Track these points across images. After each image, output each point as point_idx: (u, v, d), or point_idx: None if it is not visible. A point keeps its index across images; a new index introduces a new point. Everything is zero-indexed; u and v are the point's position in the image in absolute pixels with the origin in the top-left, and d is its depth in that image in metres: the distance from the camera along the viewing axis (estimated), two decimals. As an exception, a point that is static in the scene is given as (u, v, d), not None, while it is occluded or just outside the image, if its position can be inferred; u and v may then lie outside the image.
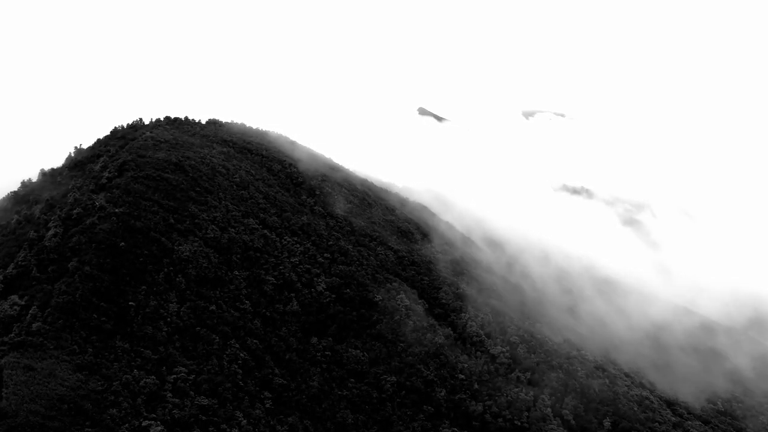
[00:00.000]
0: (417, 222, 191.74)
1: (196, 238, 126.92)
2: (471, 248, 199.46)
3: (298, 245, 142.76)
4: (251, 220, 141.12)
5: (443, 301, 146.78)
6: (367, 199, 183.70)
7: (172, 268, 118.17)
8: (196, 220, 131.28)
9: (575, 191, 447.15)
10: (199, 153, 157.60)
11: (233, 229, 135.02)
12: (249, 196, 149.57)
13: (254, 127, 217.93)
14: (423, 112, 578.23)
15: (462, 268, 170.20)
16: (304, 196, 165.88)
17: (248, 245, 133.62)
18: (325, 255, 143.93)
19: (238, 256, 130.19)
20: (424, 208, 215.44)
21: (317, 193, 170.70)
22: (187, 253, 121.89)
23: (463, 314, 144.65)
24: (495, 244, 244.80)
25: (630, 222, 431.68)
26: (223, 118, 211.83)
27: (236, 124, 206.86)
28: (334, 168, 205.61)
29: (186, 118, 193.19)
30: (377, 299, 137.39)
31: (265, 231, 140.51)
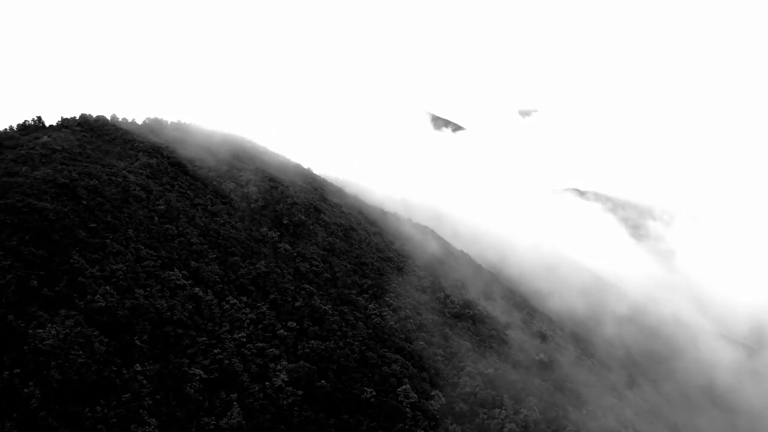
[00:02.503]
0: (421, 254, 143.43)
1: (74, 312, 77.73)
2: (492, 290, 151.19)
3: (247, 310, 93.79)
4: (176, 272, 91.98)
5: (467, 389, 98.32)
6: (357, 227, 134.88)
7: (18, 371, 69.13)
8: (80, 279, 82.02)
9: (584, 195, 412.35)
10: (110, 168, 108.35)
11: (142, 291, 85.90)
12: (178, 232, 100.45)
13: (213, 129, 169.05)
14: (420, 111, 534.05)
15: (488, 328, 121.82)
16: (265, 228, 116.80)
17: (164, 317, 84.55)
18: (290, 324, 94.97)
19: (146, 337, 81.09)
20: (430, 233, 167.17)
21: (285, 221, 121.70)
22: (52, 341, 72.79)
23: (497, 410, 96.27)
24: (503, 269, 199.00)
25: (637, 227, 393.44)
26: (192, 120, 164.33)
27: (184, 124, 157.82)
28: (312, 181, 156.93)
29: (114, 116, 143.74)
30: (368, 395, 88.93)
31: (197, 290, 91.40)
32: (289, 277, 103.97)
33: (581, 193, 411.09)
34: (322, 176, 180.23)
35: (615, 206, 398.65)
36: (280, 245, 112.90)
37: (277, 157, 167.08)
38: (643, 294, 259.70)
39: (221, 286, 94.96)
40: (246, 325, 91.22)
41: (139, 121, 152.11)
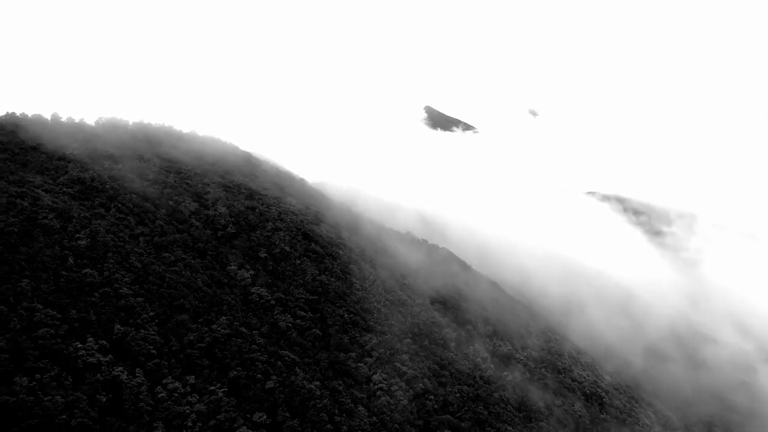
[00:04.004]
0: (441, 289, 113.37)
1: None
2: (529, 331, 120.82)
3: (194, 398, 63.71)
4: (89, 343, 62.22)
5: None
6: (359, 259, 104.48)
7: None
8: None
9: (596, 197, 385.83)
10: (19, 186, 78.97)
11: (26, 380, 56.14)
12: (101, 280, 70.59)
13: (186, 131, 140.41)
14: (429, 111, 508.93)
15: (533, 395, 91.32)
16: (234, 266, 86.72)
17: (57, 422, 54.70)
18: (258, 416, 64.71)
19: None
20: (452, 258, 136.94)
21: (263, 255, 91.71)
22: None
23: None
24: (519, 284, 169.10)
25: (657, 234, 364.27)
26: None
27: (147, 125, 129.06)
28: (305, 195, 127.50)
29: (55, 115, 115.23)
30: None
31: (118, 370, 61.37)
32: (261, 340, 73.92)
33: (599, 197, 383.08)
34: (316, 184, 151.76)
35: (626, 208, 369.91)
36: (253, 290, 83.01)
37: (263, 166, 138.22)
38: (679, 314, 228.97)
39: (157, 361, 65.11)
40: (191, 423, 61.39)
41: (92, 121, 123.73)
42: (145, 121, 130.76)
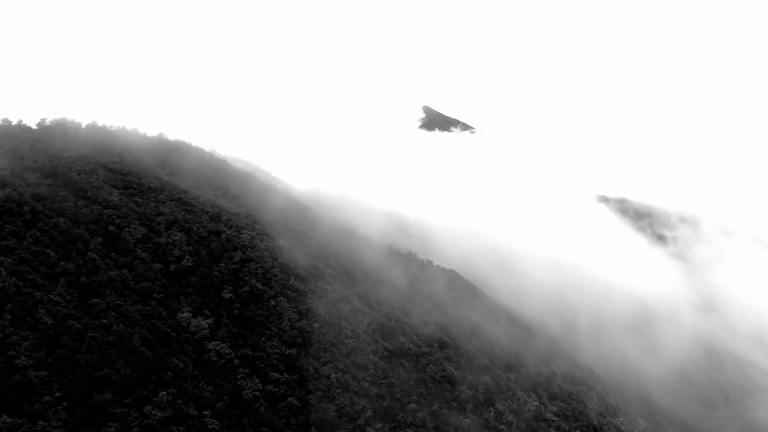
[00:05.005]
0: (452, 329, 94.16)
1: None
2: (553, 370, 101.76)
3: None
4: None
5: None
6: (350, 293, 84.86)
7: None
8: None
9: (596, 199, 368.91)
10: None
11: None
12: (-9, 344, 51.01)
13: (147, 132, 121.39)
14: (428, 111, 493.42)
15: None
16: (187, 312, 66.96)
17: None
18: None
19: None
20: (460, 282, 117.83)
21: (227, 295, 72.09)
22: None
23: None
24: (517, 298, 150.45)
25: (662, 238, 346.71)
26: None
27: (102, 128, 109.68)
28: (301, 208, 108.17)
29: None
30: None
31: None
32: (215, 424, 54.28)
33: (599, 199, 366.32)
34: (306, 191, 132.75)
35: (627, 210, 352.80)
36: (210, 346, 63.36)
37: (247, 174, 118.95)
38: (697, 331, 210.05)
39: (58, 469, 45.51)
40: None
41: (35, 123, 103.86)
42: (100, 123, 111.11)
